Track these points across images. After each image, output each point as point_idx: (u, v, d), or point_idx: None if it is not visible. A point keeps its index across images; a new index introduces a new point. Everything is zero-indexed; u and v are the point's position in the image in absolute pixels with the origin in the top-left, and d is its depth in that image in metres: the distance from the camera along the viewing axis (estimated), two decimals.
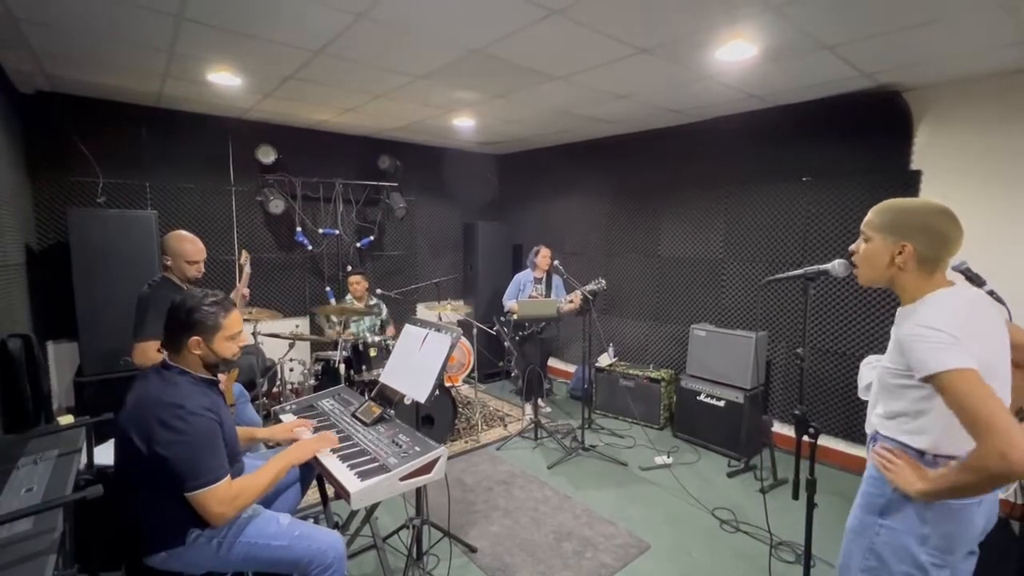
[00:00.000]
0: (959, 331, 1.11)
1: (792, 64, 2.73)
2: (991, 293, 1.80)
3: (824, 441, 3.47)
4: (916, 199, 1.28)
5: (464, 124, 4.40)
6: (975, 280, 1.81)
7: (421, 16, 2.24)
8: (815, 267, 1.57)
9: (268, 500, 1.89)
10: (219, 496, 1.47)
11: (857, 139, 3.35)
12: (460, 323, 4.63)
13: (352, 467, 1.76)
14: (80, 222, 3.23)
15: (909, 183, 3.14)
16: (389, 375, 2.34)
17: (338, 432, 2.07)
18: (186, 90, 3.47)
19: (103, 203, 3.71)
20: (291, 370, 4.18)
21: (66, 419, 2.05)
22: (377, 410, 2.15)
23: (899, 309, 1.30)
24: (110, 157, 3.76)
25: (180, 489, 1.45)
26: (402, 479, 1.72)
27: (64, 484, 1.57)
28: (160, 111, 3.94)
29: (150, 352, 2.25)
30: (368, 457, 1.83)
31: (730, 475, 3.41)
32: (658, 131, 4.46)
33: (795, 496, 1.64)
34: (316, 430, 2.09)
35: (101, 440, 2.14)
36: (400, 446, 1.88)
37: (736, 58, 2.63)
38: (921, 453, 1.24)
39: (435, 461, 1.80)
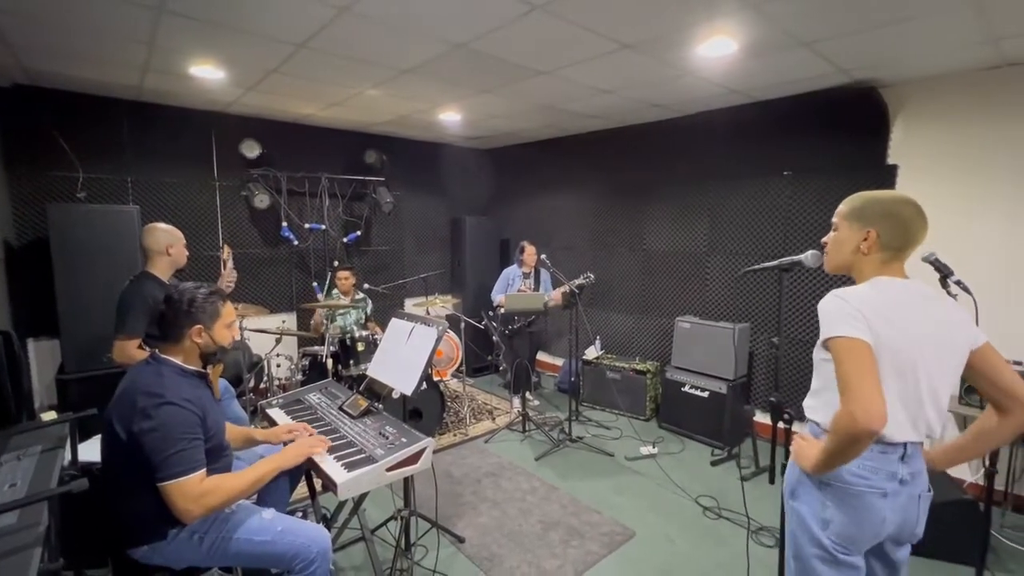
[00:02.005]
0: (870, 310, 1.15)
1: (772, 60, 2.78)
2: (958, 283, 1.86)
3: (801, 428, 3.56)
4: (886, 191, 1.32)
5: (450, 119, 4.40)
6: (943, 270, 1.86)
7: (405, 11, 2.24)
8: (789, 258, 1.62)
9: (257, 496, 1.89)
10: (186, 491, 1.44)
11: (836, 134, 3.42)
12: (448, 317, 4.65)
13: (339, 459, 1.78)
14: (60, 218, 3.18)
15: (886, 177, 3.21)
16: (376, 368, 2.36)
17: (325, 425, 2.09)
18: (168, 83, 3.42)
19: (83, 198, 3.66)
20: (278, 366, 4.17)
21: (49, 416, 2.03)
22: (364, 403, 2.16)
23: None
24: (90, 151, 3.70)
25: (155, 480, 1.45)
26: (388, 470, 1.74)
27: (48, 479, 1.57)
28: (141, 105, 3.88)
29: (130, 349, 2.25)
30: (355, 449, 1.85)
31: (713, 464, 3.48)
32: (643, 126, 4.50)
33: (771, 480, 1.69)
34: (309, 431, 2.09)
35: (85, 437, 2.13)
36: (387, 438, 1.90)
37: (717, 54, 2.67)
38: (824, 430, 1.28)
39: (421, 452, 1.83)
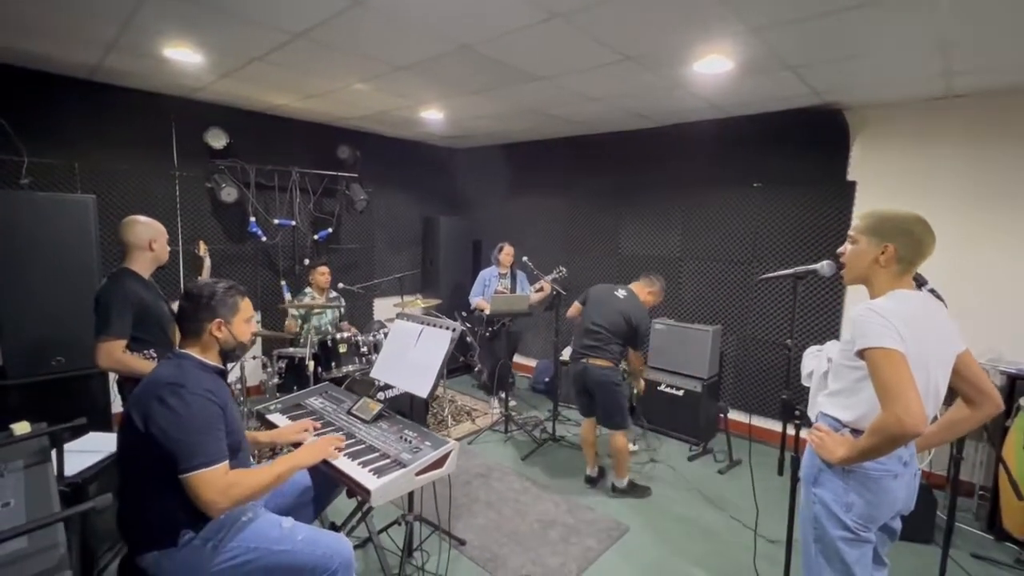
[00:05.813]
0: (900, 322, 1.28)
1: (758, 80, 2.97)
2: (932, 291, 2.09)
3: (760, 422, 3.81)
4: (897, 208, 1.46)
5: (432, 116, 4.34)
6: (919, 279, 2.07)
7: (422, 9, 2.21)
8: (804, 267, 1.74)
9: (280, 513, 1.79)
10: (211, 482, 1.38)
11: (802, 150, 3.70)
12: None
13: (364, 464, 1.73)
14: (3, 207, 2.85)
15: (846, 193, 3.51)
16: (383, 372, 2.31)
17: (338, 430, 2.02)
18: (131, 64, 3.16)
19: (27, 185, 3.30)
20: (242, 367, 3.93)
21: (22, 427, 1.83)
22: (376, 406, 2.11)
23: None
24: (34, 134, 3.34)
25: (174, 472, 1.37)
26: (418, 474, 1.72)
27: (47, 495, 1.44)
28: (95, 85, 3.55)
29: (116, 352, 2.07)
30: (379, 454, 1.81)
31: (690, 459, 3.66)
32: (622, 133, 4.64)
33: (780, 472, 1.82)
34: (319, 432, 2.02)
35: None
36: (409, 442, 1.87)
37: (712, 71, 2.82)
38: (844, 425, 1.43)
39: (448, 455, 1.81)
